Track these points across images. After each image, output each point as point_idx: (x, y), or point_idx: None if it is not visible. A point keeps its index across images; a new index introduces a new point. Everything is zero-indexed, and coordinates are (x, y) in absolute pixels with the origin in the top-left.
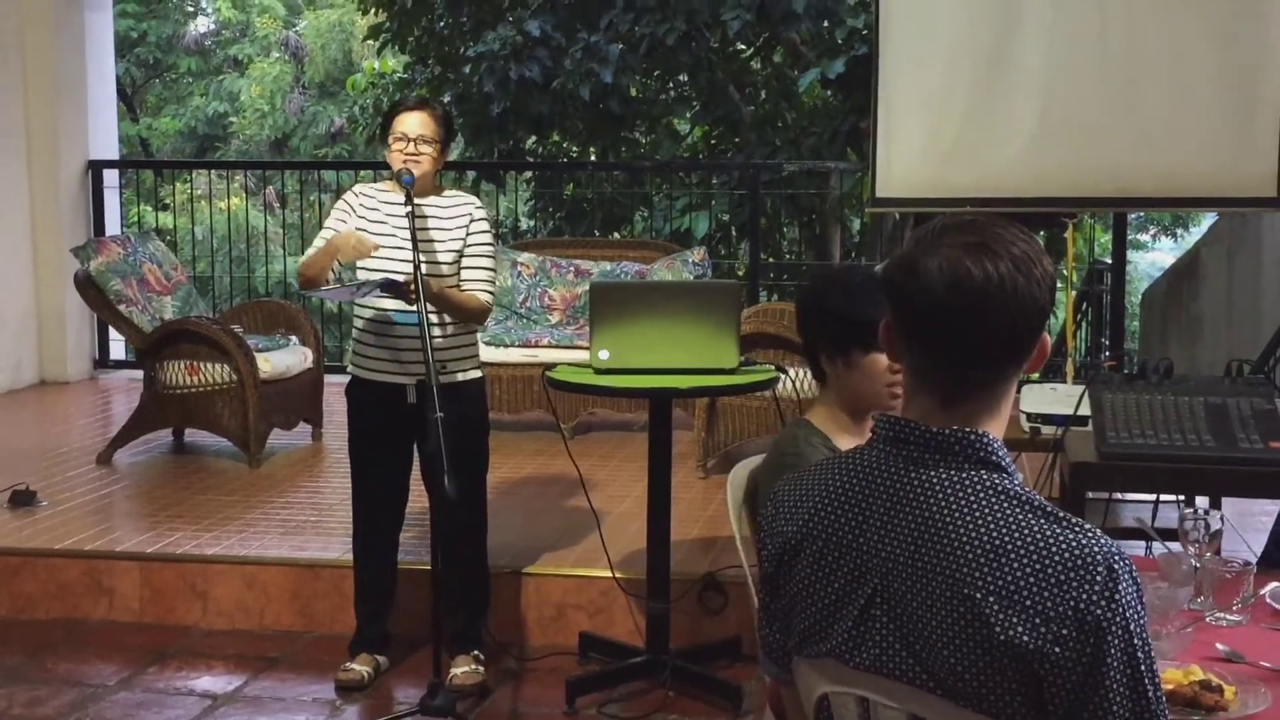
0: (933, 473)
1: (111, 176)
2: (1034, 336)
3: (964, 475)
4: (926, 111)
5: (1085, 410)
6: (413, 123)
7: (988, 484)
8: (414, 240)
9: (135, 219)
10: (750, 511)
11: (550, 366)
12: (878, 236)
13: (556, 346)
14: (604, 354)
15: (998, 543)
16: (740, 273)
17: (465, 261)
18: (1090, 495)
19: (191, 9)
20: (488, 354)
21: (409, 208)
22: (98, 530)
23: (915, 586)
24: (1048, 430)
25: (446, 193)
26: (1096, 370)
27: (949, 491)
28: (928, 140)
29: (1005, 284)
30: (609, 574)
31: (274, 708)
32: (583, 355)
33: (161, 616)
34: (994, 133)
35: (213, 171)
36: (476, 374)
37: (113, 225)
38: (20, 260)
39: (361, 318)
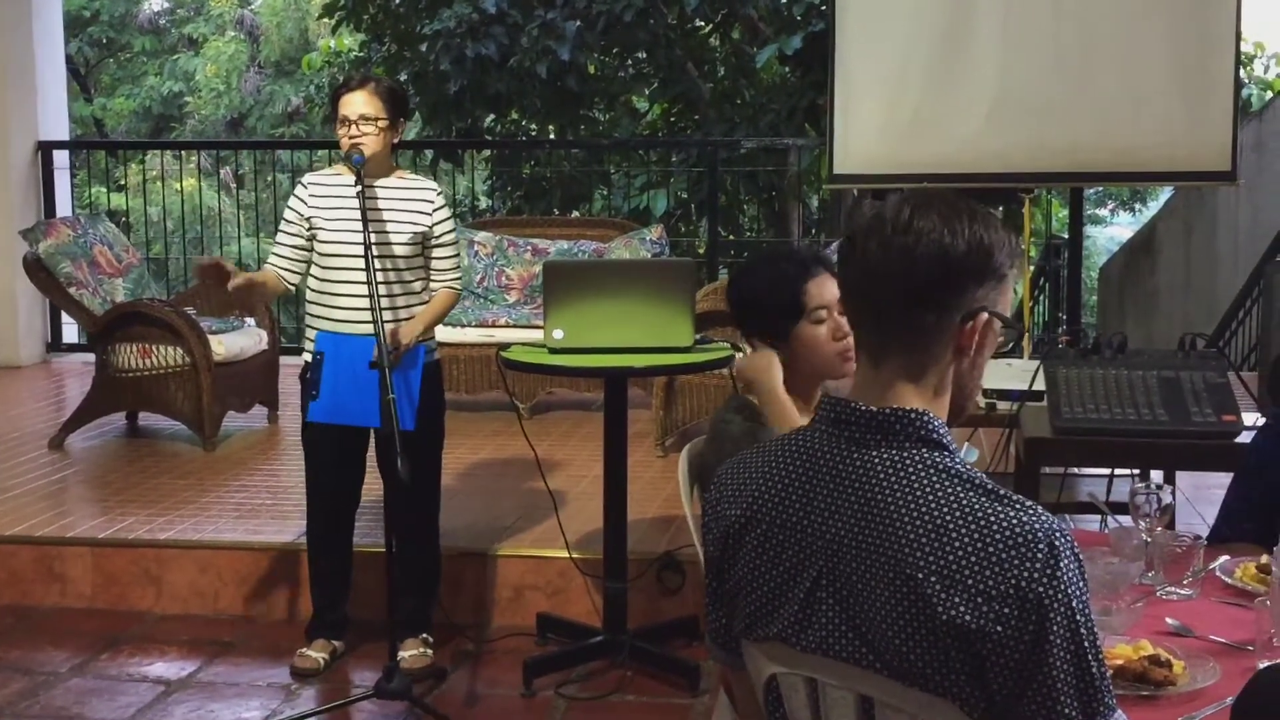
0: (874, 453)
1: (62, 157)
2: (946, 291)
3: (905, 455)
4: (883, 88)
5: (1040, 385)
6: (355, 103)
7: (929, 463)
8: (364, 220)
9: (88, 200)
10: (698, 491)
11: (506, 346)
12: (836, 213)
13: (514, 326)
14: (558, 333)
15: (939, 522)
16: (700, 250)
17: (434, 253)
18: (1045, 470)
19: None
20: (444, 334)
21: (358, 187)
22: (49, 515)
23: (860, 567)
24: (1003, 406)
25: (404, 175)
26: (1051, 345)
27: (890, 471)
28: (885, 116)
29: (915, 227)
30: (566, 554)
31: (228, 693)
32: (540, 335)
33: (114, 602)
34: (950, 109)
35: (167, 152)
36: (432, 357)
37: (64, 207)
38: None
39: (316, 303)
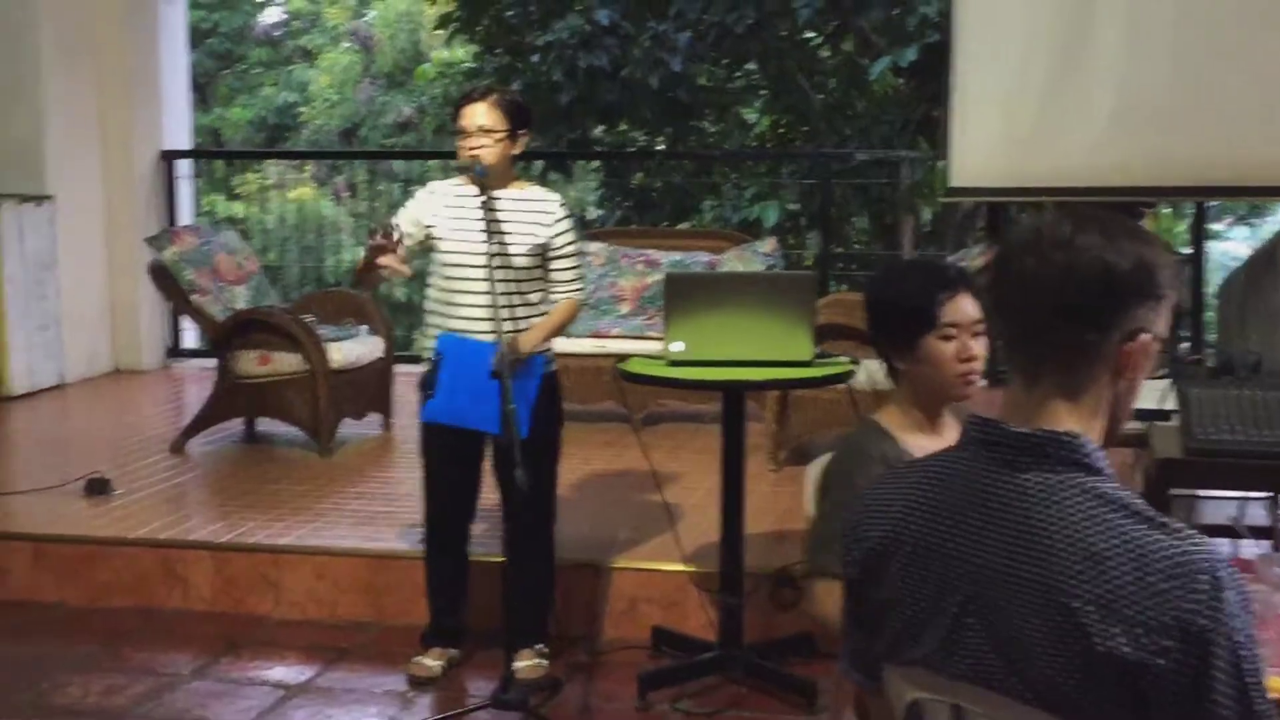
0: (1026, 476)
1: (184, 167)
2: (1107, 309)
3: (1058, 478)
4: (1001, 100)
5: (1170, 405)
6: (475, 114)
7: (1084, 487)
8: (488, 231)
9: (207, 209)
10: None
11: (620, 357)
12: (949, 226)
13: (626, 337)
14: (678, 346)
15: (1096, 549)
16: (808, 262)
17: (554, 264)
18: (1173, 492)
19: (262, 0)
20: (557, 344)
21: (482, 198)
22: (171, 519)
23: (1010, 594)
24: (1131, 425)
25: (527, 187)
26: (1181, 364)
27: (1043, 495)
28: (1002, 129)
29: (1077, 243)
30: (681, 568)
31: (345, 699)
32: (652, 346)
33: (234, 606)
34: (1070, 121)
35: (282, 161)
36: (550, 367)
37: (185, 215)
38: (95, 250)
39: (435, 312)
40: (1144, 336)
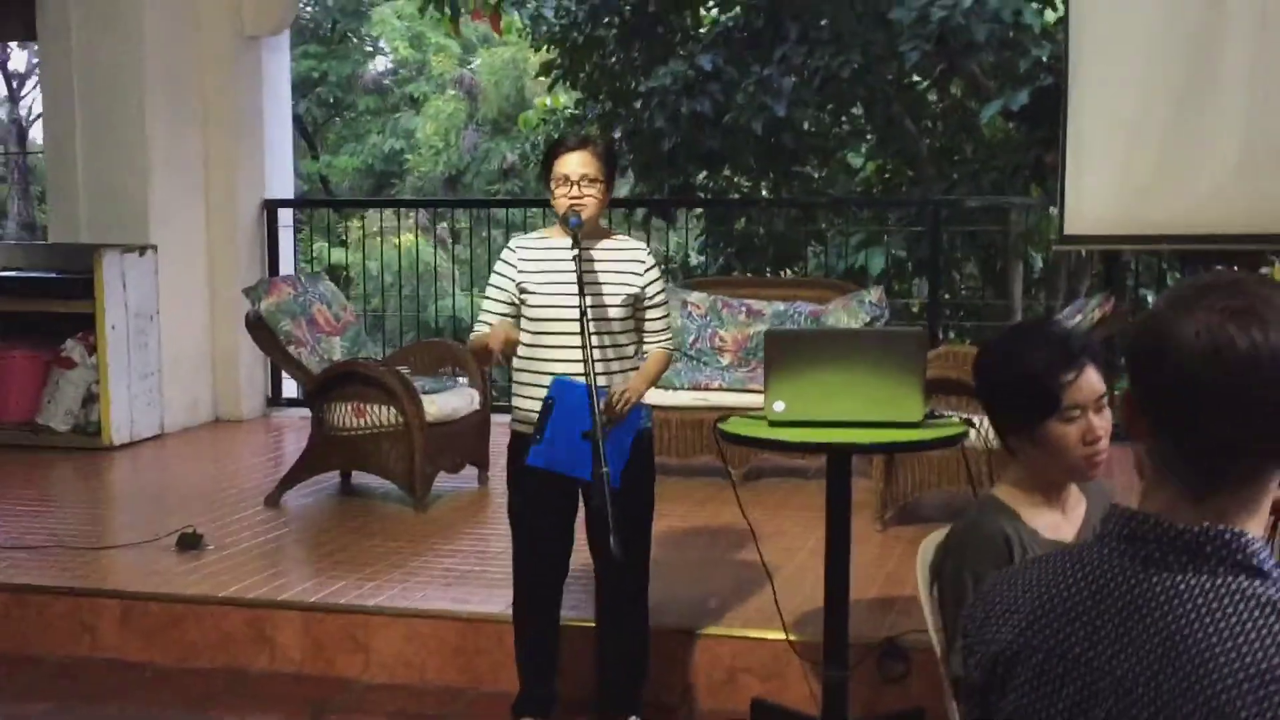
0: (1178, 577)
1: (286, 215)
2: None
3: (1217, 582)
4: (1119, 144)
5: None
6: (575, 163)
7: (1247, 593)
8: (580, 285)
9: (310, 256)
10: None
11: (722, 415)
12: (1061, 273)
13: (728, 390)
14: (779, 405)
15: (1263, 667)
16: (916, 309)
17: (646, 314)
18: None
19: (370, 49)
20: (656, 396)
21: (576, 250)
22: (262, 577)
23: (1159, 712)
24: None
25: (615, 237)
26: None
27: (1199, 602)
28: (1120, 174)
29: (1277, 357)
30: (783, 636)
31: None
32: (755, 399)
33: (323, 668)
34: (1192, 166)
35: (387, 209)
36: (646, 423)
37: (287, 264)
38: (197, 300)
39: (525, 370)
40: None
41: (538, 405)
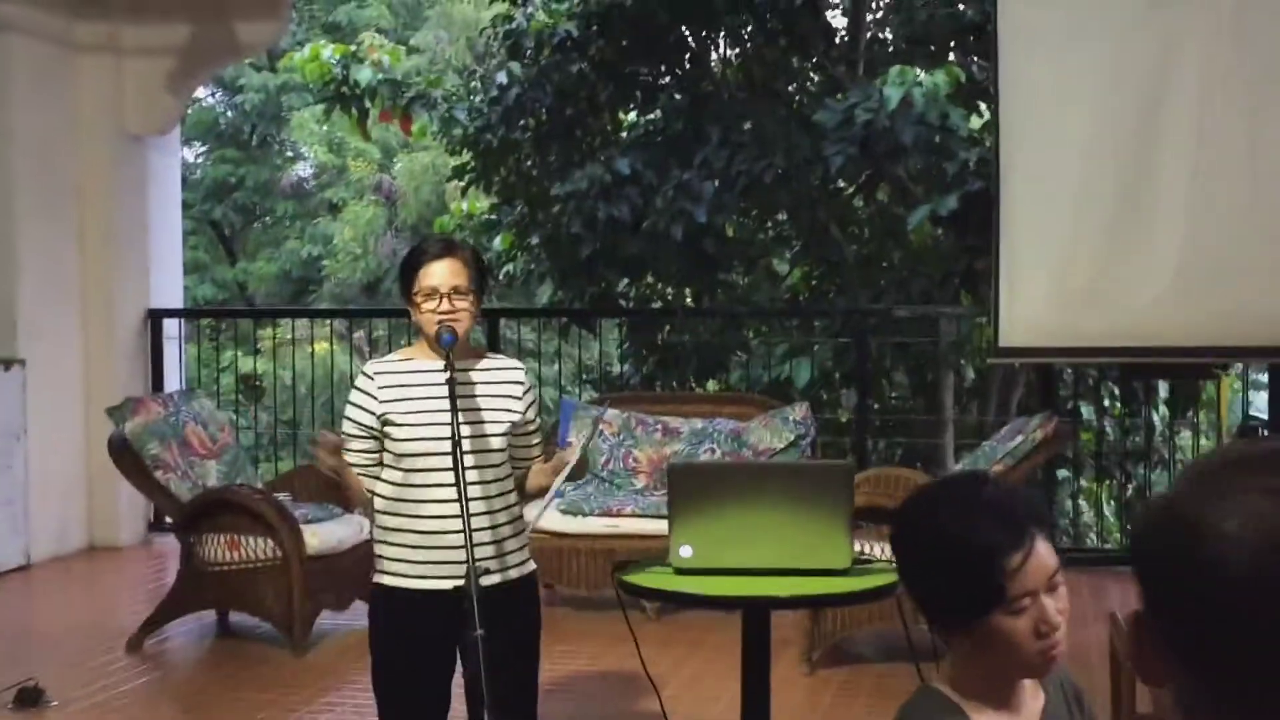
0: None
1: (173, 326)
2: None
3: None
4: (1054, 252)
5: None
6: (442, 273)
7: None
8: (454, 410)
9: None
10: None
11: (620, 564)
12: (993, 384)
13: (641, 515)
14: (685, 550)
15: None
16: (843, 420)
17: (531, 440)
18: None
19: (290, 154)
20: (564, 523)
21: (449, 374)
22: None
23: None
24: None
25: (489, 355)
26: None
27: None
28: (1056, 282)
29: None
30: None
31: None
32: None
33: None
34: (1132, 273)
35: (297, 318)
36: (532, 565)
37: (173, 377)
38: (71, 415)
39: (392, 514)
40: None
41: (410, 555)
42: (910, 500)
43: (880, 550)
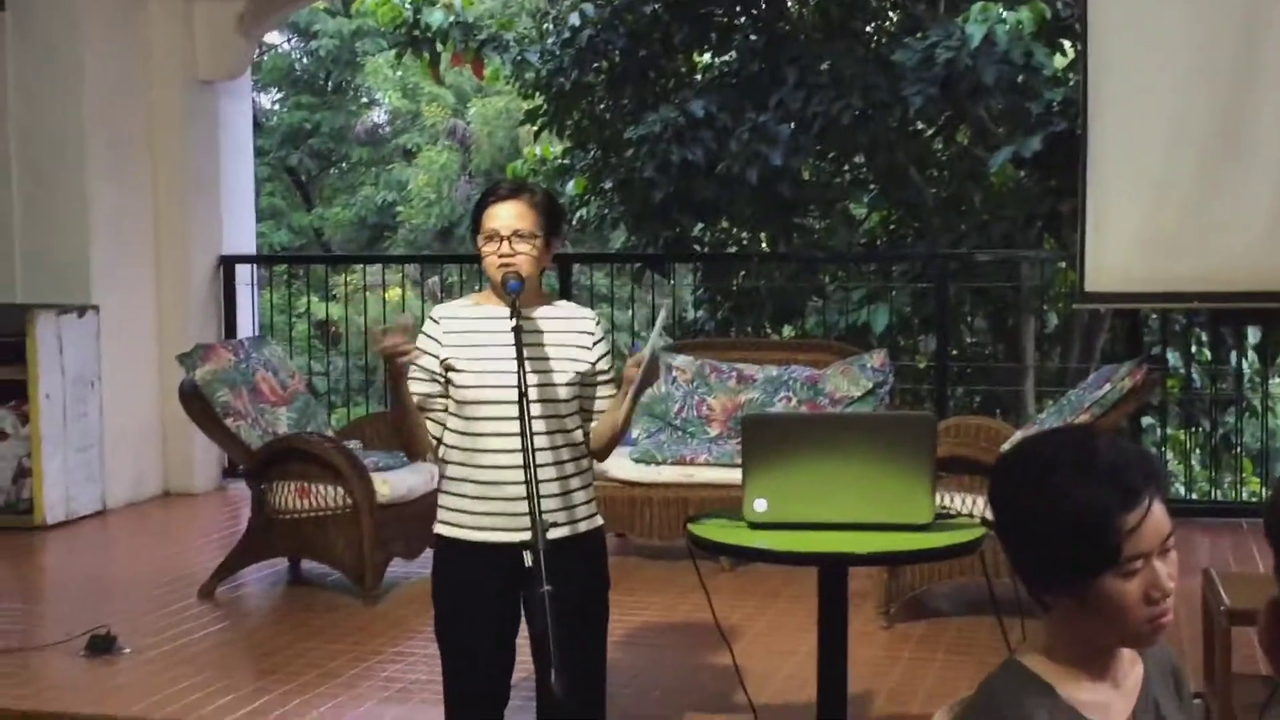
0: None
1: (246, 272)
2: None
3: None
4: (1143, 196)
5: None
6: (505, 215)
7: None
8: (520, 359)
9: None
10: None
11: (692, 516)
12: (1076, 330)
13: (715, 464)
14: (760, 504)
15: None
16: (922, 366)
17: (597, 393)
18: None
19: (366, 100)
20: (636, 472)
21: (515, 321)
22: (175, 690)
23: None
24: None
25: (558, 303)
26: None
27: None
28: (1145, 226)
29: None
30: None
31: None
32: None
33: None
34: (1225, 217)
35: (368, 265)
36: (599, 520)
37: (245, 323)
38: (145, 364)
39: (455, 462)
40: None
41: (470, 505)
42: (1014, 455)
43: (961, 502)
